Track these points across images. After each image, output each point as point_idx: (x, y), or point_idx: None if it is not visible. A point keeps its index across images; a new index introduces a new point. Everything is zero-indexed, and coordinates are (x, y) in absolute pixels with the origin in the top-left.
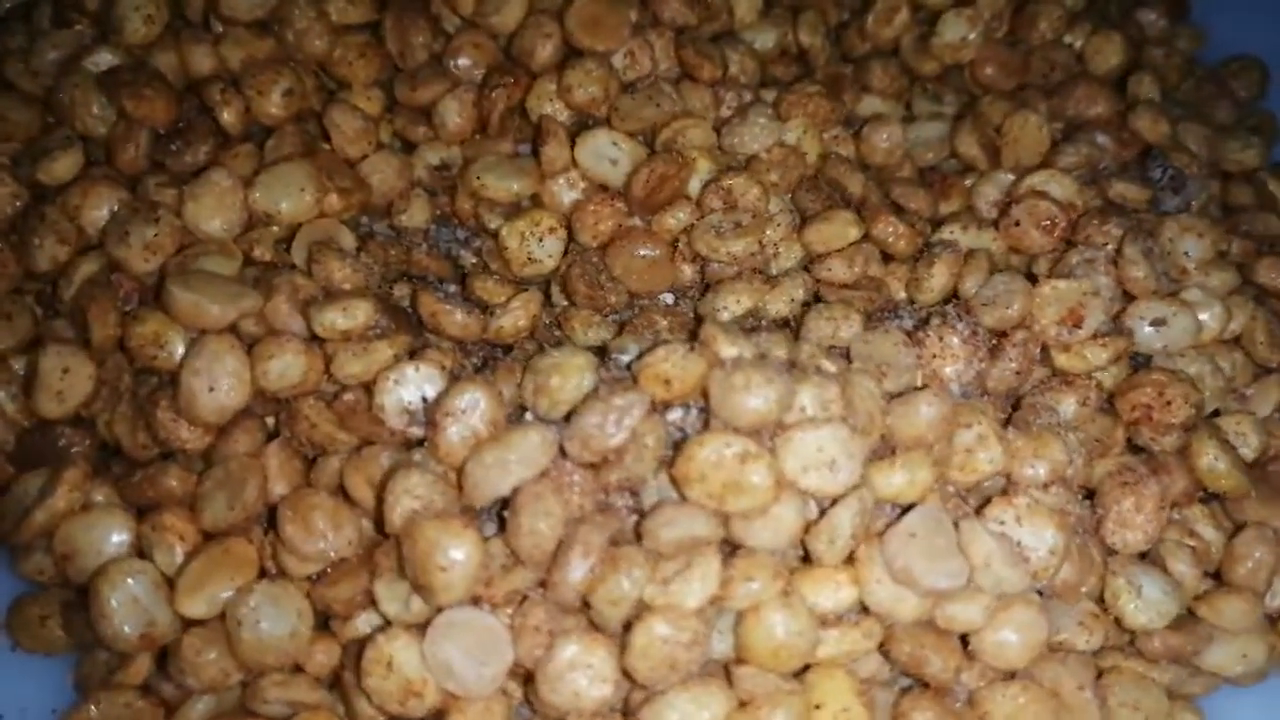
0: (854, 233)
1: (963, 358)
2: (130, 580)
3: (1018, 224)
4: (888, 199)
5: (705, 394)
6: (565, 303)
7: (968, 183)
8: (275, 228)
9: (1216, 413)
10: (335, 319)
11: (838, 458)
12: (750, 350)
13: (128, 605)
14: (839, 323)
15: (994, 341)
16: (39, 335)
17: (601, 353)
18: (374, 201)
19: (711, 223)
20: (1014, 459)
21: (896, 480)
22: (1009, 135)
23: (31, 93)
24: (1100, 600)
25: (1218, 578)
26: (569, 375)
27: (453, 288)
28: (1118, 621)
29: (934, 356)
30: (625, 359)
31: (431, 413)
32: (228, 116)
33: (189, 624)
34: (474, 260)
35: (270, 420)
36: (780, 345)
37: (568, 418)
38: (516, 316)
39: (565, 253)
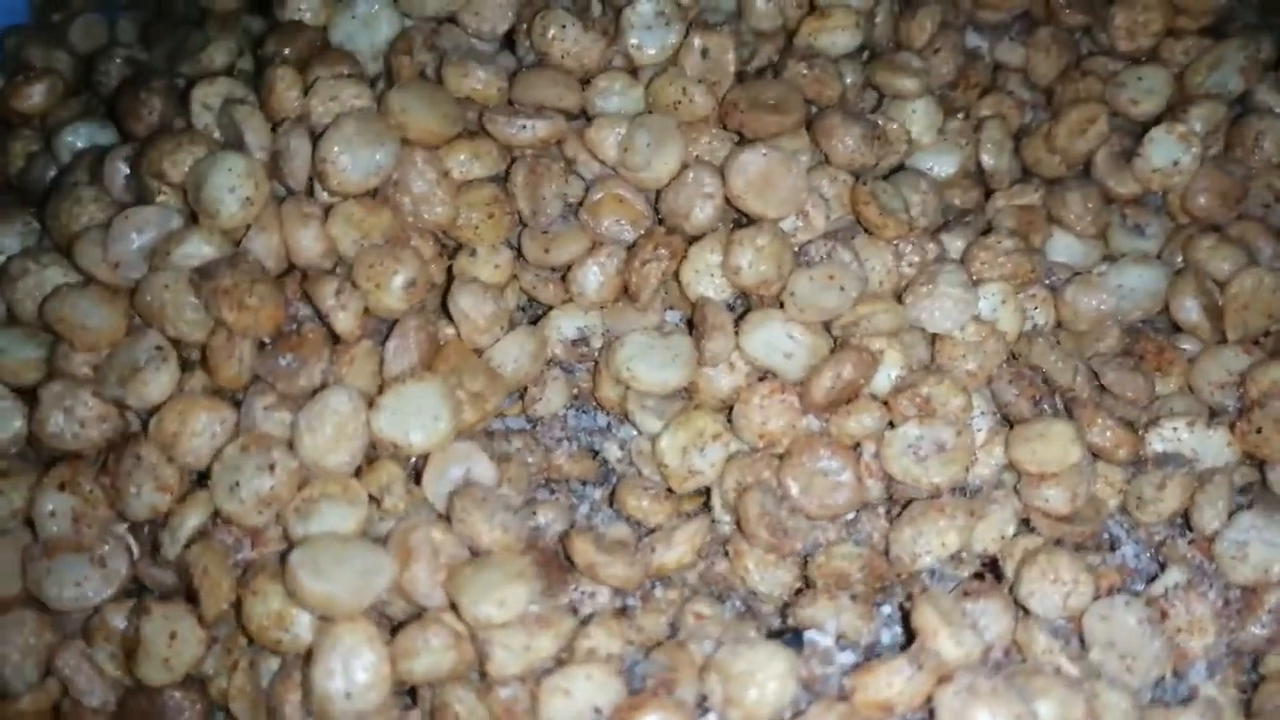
0: (1076, 454)
1: (1213, 632)
2: None
3: (1259, 431)
4: (1095, 381)
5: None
6: (728, 519)
7: (1183, 347)
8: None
9: None
10: (490, 613)
11: None
12: (976, 645)
13: None
14: (1068, 589)
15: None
16: (136, 579)
17: (786, 617)
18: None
19: (908, 440)
20: None
21: None
22: (1236, 299)
23: (113, 285)
24: None
25: None
26: (766, 685)
27: (598, 494)
28: None
29: (1179, 630)
30: (824, 641)
31: None
32: (343, 323)
33: None
34: (619, 454)
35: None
36: (1001, 615)
37: None
38: (680, 554)
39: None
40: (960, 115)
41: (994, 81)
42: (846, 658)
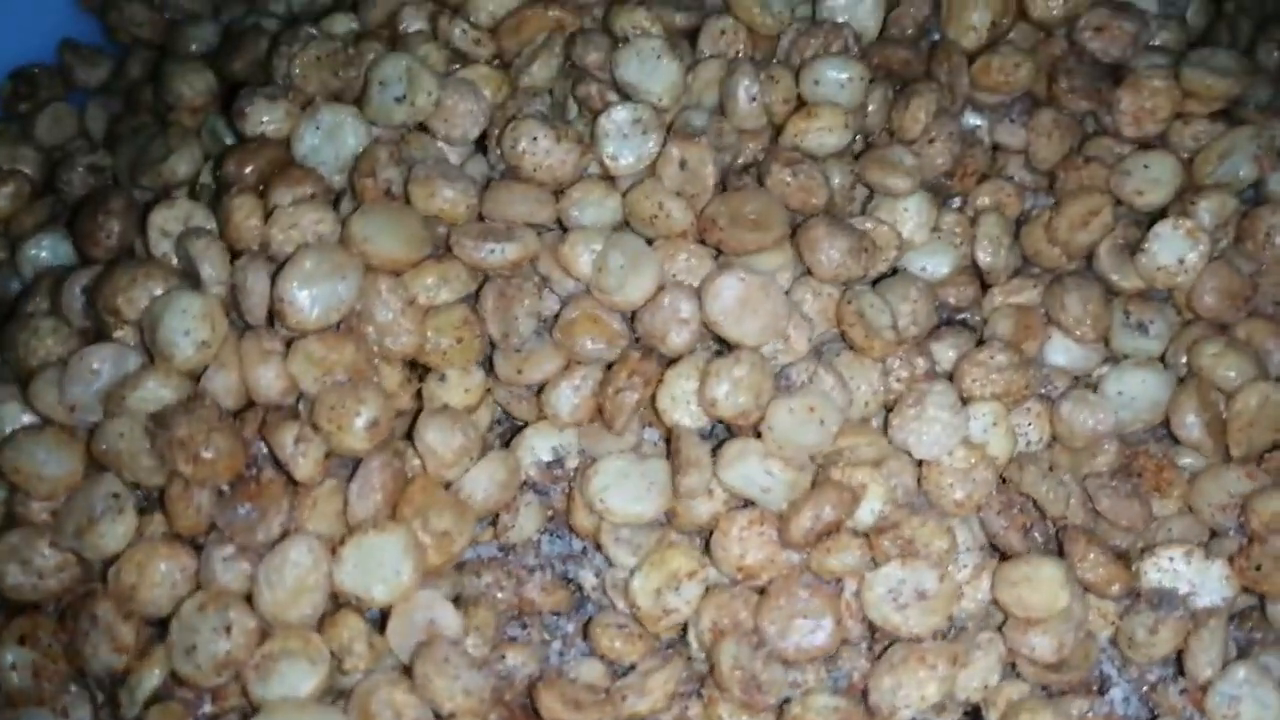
0: (1064, 600)
1: None
2: None
3: (1259, 568)
4: (1090, 505)
5: None
6: (704, 656)
7: (1183, 464)
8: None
9: None
10: None
11: None
12: None
13: None
14: None
15: None
16: None
17: None
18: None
19: (889, 585)
20: None
21: None
22: (1241, 415)
23: (69, 426)
24: None
25: None
26: None
27: (571, 627)
28: None
29: None
30: None
31: None
32: (303, 470)
33: None
34: (594, 582)
35: None
36: None
37: None
38: (654, 701)
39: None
40: (956, 205)
41: (994, 164)
42: None
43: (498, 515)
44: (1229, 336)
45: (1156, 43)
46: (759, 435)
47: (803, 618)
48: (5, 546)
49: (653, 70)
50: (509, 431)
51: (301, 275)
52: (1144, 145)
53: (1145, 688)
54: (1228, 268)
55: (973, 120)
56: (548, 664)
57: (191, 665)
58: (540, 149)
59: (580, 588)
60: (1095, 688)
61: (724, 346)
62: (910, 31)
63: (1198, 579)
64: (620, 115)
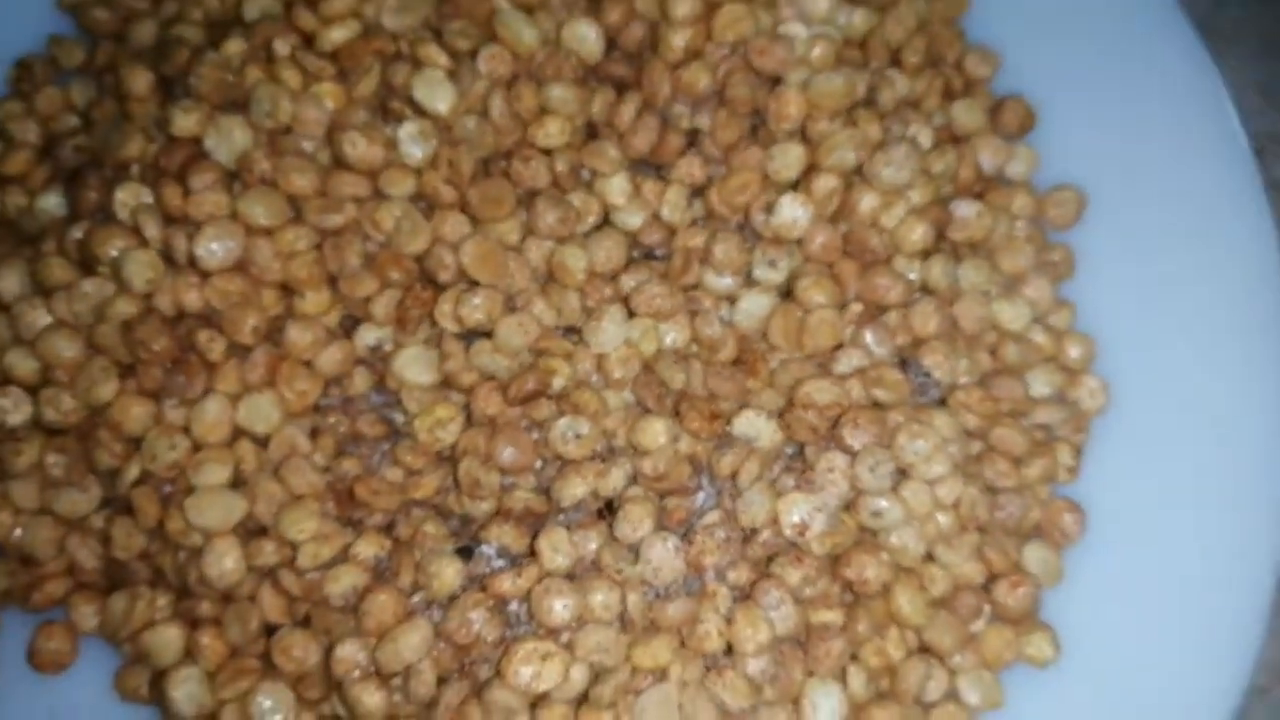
0: (662, 440)
1: (718, 553)
2: None
3: (789, 426)
4: (705, 382)
5: None
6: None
7: (772, 357)
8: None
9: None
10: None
11: None
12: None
13: None
14: (642, 531)
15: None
16: None
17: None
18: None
19: (560, 430)
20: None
21: None
22: (807, 326)
23: (75, 326)
24: None
25: None
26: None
27: (386, 446)
28: None
29: (700, 552)
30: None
31: None
32: (214, 354)
33: None
34: (404, 420)
35: None
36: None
37: None
38: (425, 489)
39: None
40: (658, 174)
41: (696, 142)
42: (502, 565)
43: (341, 378)
44: (821, 274)
45: (813, 57)
46: (490, 337)
47: (514, 446)
48: (48, 394)
49: (435, 91)
50: (355, 323)
51: (206, 237)
52: (791, 135)
53: (717, 494)
54: (827, 227)
55: (680, 111)
56: (371, 470)
57: (156, 465)
58: (357, 149)
59: (395, 424)
60: (692, 488)
61: (474, 283)
62: (633, 49)
63: (762, 430)
64: (408, 127)
